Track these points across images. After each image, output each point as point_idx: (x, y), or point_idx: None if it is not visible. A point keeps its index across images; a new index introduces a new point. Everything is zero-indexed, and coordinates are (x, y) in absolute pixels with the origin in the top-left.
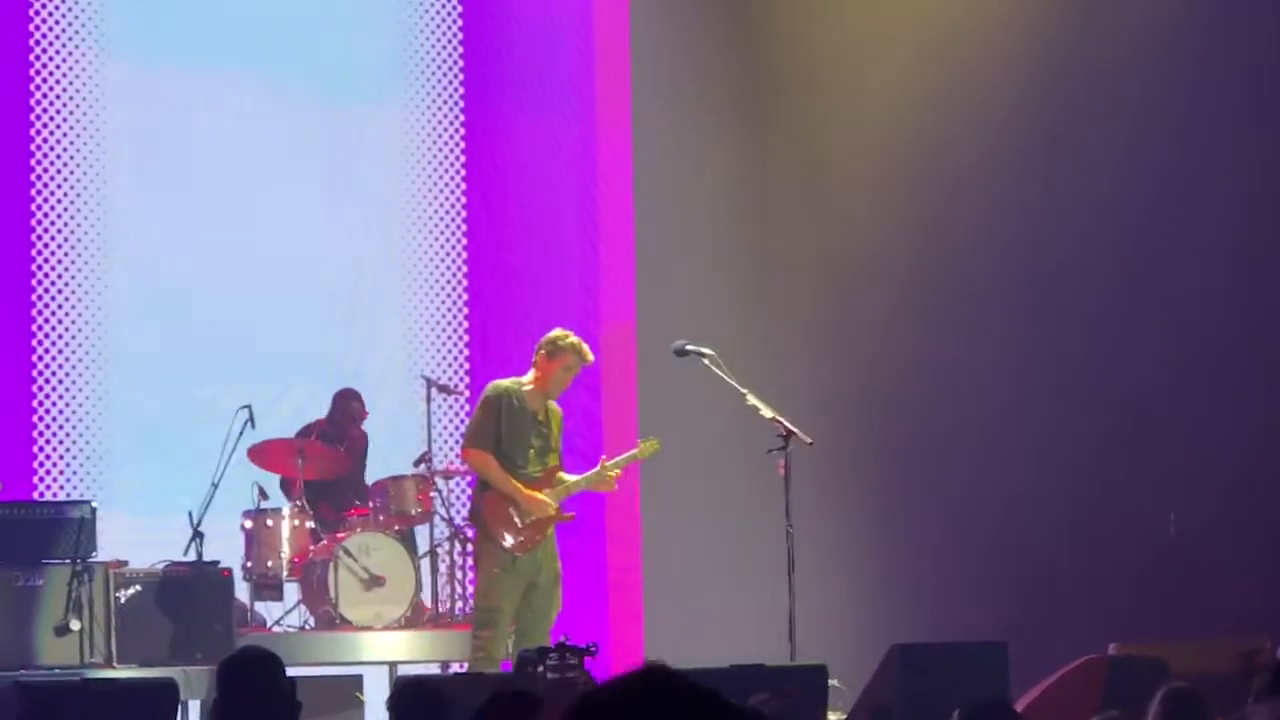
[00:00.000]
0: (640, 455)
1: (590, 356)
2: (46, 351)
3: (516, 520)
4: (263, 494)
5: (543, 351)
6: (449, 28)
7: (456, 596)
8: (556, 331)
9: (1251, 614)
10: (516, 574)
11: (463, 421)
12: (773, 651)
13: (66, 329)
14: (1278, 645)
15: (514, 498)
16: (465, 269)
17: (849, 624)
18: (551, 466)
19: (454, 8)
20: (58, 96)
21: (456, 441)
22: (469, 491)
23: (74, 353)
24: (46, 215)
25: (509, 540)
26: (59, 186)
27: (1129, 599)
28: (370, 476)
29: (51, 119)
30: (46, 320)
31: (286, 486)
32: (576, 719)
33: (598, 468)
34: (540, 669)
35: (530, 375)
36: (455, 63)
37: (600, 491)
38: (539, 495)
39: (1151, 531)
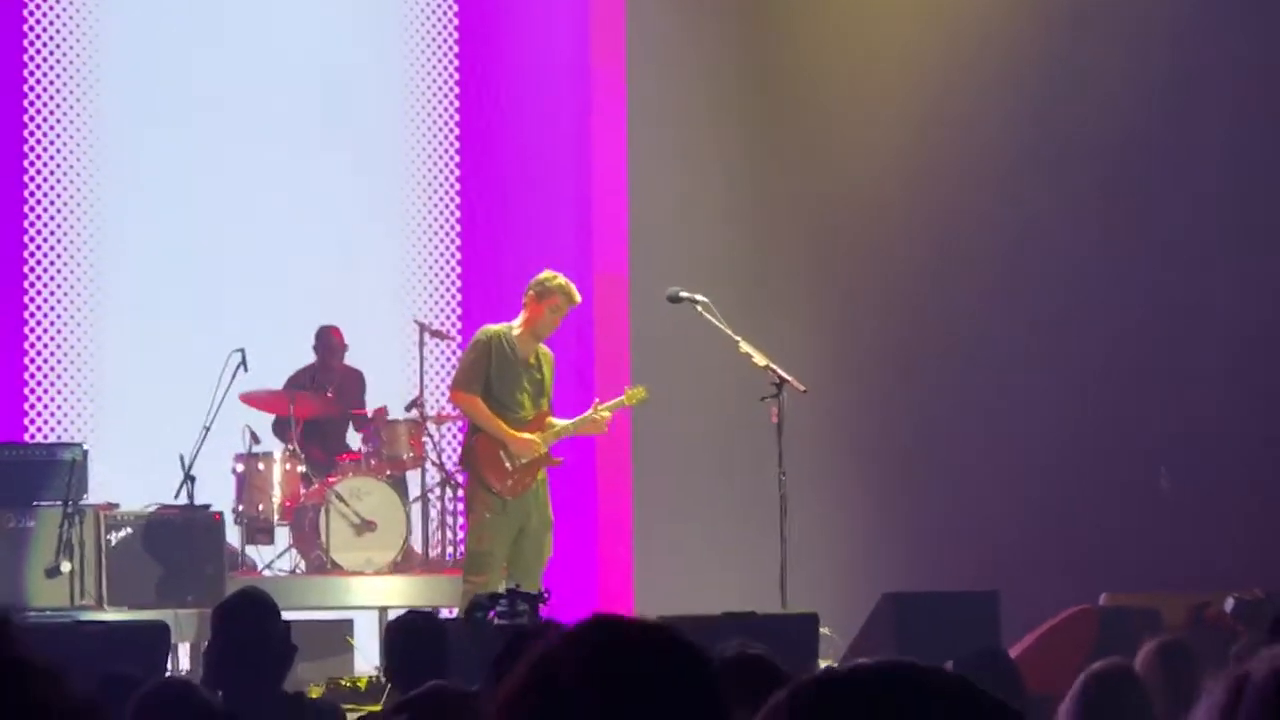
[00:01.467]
0: (627, 402)
1: (578, 297)
2: (39, 293)
3: (507, 464)
4: (254, 438)
5: (531, 293)
6: None
7: (448, 542)
8: (545, 273)
9: (1244, 567)
10: (507, 518)
11: (455, 367)
12: (764, 599)
13: (59, 270)
14: (1226, 600)
15: (503, 440)
16: (459, 214)
17: (841, 572)
18: (543, 411)
19: None
20: (51, 38)
21: (449, 386)
22: (461, 437)
23: (66, 294)
24: (39, 157)
25: (499, 484)
26: (52, 129)
27: (1121, 549)
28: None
29: (46, 69)
30: (39, 262)
31: (280, 428)
32: (534, 676)
33: (589, 411)
34: (490, 615)
35: (520, 318)
36: (451, 20)
37: (591, 434)
38: (528, 436)
39: (1145, 483)
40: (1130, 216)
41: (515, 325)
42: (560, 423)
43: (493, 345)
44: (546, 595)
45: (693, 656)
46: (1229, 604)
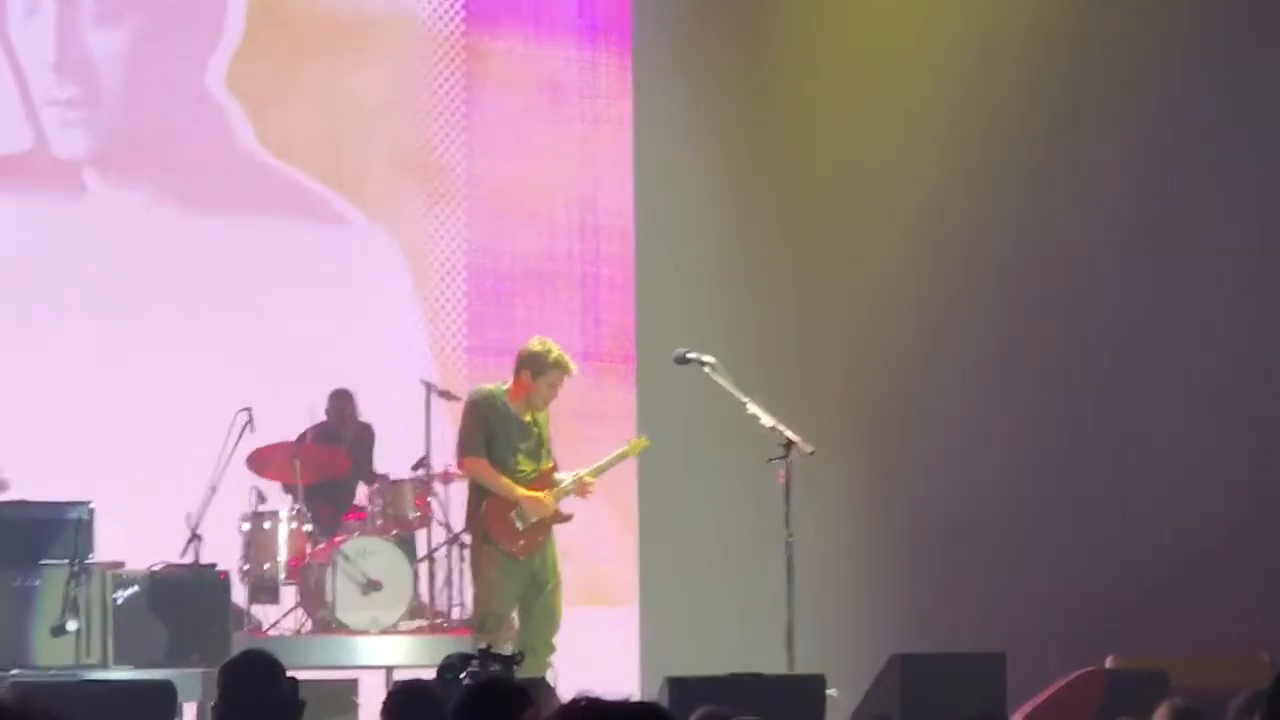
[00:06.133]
0: (630, 453)
1: (574, 368)
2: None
3: (518, 524)
4: (260, 497)
5: (526, 369)
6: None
7: (454, 601)
8: (536, 344)
9: (1251, 628)
10: (514, 577)
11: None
12: (771, 661)
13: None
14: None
15: (514, 500)
16: (465, 273)
17: (848, 634)
18: (546, 469)
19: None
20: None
21: (455, 455)
22: (467, 496)
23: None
24: None
25: (511, 546)
26: None
27: (1128, 611)
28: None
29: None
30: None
31: (288, 487)
32: None
33: (593, 465)
34: (463, 675)
35: (511, 386)
36: (460, 67)
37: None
38: (538, 494)
39: (1151, 543)
40: (1144, 274)
41: (505, 387)
42: (564, 478)
43: (485, 407)
44: (520, 656)
45: None
46: None
